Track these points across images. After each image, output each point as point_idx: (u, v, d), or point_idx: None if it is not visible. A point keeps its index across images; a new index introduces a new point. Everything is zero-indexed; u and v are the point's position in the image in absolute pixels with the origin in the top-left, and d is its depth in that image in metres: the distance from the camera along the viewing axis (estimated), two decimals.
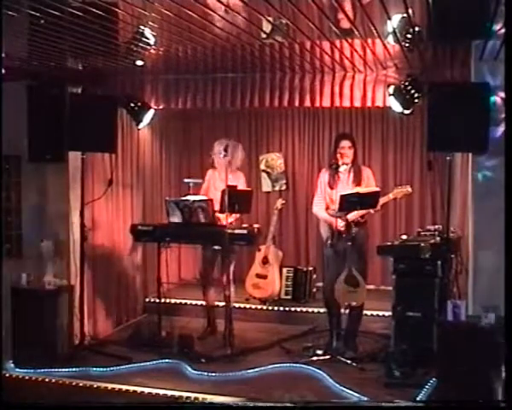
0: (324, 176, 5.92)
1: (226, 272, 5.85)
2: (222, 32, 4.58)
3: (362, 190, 5.63)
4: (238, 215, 6.09)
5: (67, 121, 5.63)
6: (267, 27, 4.49)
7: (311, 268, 7.49)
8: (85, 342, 5.93)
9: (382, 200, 5.74)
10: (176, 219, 5.89)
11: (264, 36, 4.68)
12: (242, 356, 5.72)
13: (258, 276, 7.19)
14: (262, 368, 5.40)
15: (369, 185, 5.79)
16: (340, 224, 5.62)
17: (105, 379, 5.21)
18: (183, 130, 8.34)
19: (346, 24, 4.30)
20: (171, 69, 6.11)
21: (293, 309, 7.00)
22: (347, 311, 5.77)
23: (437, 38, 4.36)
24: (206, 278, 6.36)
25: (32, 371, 5.36)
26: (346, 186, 5.70)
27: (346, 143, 5.76)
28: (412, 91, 5.26)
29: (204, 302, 6.52)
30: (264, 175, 8.29)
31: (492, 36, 4.26)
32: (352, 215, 5.60)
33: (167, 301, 6.33)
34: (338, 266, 5.65)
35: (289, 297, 7.35)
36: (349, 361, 5.46)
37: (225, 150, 5.88)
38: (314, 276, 7.41)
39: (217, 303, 6.45)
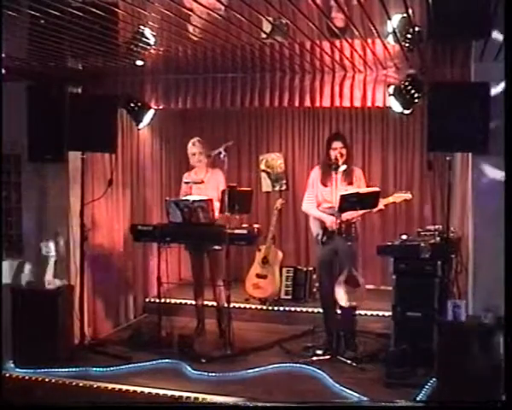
0: (316, 174, 5.92)
1: (223, 273, 5.85)
2: (222, 32, 4.58)
3: (362, 190, 5.65)
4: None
5: (67, 121, 5.63)
6: (267, 27, 4.48)
7: (311, 268, 7.48)
8: (85, 342, 5.93)
9: (382, 202, 5.77)
10: (176, 219, 5.90)
11: (264, 36, 4.68)
12: (242, 356, 5.73)
13: (258, 276, 7.19)
14: (262, 368, 5.40)
15: (360, 186, 5.81)
16: (337, 222, 5.62)
17: (105, 379, 5.22)
18: (183, 130, 8.34)
19: (340, 23, 4.30)
20: (171, 69, 6.10)
21: (293, 309, 7.00)
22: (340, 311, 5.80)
23: (437, 38, 4.36)
24: (199, 280, 6.37)
25: (31, 371, 5.36)
26: (339, 185, 5.69)
27: (337, 144, 5.78)
28: (412, 91, 5.26)
29: (194, 302, 6.50)
30: (264, 175, 8.29)
31: (492, 36, 4.26)
32: (349, 215, 5.61)
33: (167, 301, 6.33)
34: (332, 264, 5.65)
35: (289, 297, 7.36)
36: (349, 361, 5.46)
37: (226, 151, 5.87)
38: (314, 276, 7.39)
39: (207, 303, 6.46)
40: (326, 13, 4.05)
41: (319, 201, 5.84)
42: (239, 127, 8.38)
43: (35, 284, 5.75)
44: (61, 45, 4.79)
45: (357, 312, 6.00)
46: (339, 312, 5.84)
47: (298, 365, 5.50)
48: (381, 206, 5.78)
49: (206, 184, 6.13)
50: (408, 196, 5.89)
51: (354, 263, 5.69)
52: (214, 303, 6.35)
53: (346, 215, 5.59)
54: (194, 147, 6.27)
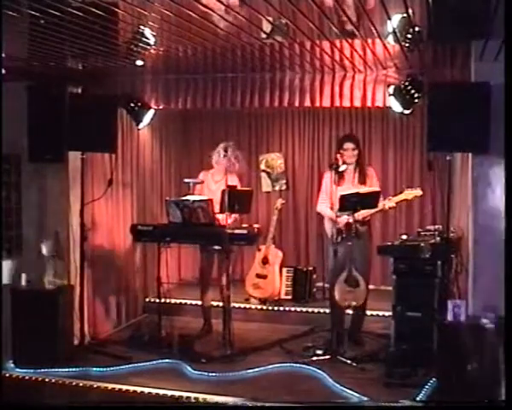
0: (330, 175, 5.97)
1: (226, 273, 5.85)
2: (222, 32, 4.58)
3: (362, 190, 5.68)
4: (237, 216, 6.09)
5: (67, 121, 5.63)
6: (267, 27, 4.49)
7: (311, 268, 7.49)
8: (85, 342, 5.93)
9: (393, 200, 5.79)
10: (176, 219, 5.89)
11: (264, 36, 4.68)
12: (242, 356, 5.72)
13: (258, 276, 7.19)
14: (262, 368, 5.40)
15: (373, 185, 5.90)
16: (345, 222, 5.66)
17: (105, 379, 5.21)
18: (183, 130, 8.35)
19: (348, 25, 4.30)
20: (171, 69, 6.11)
21: (293, 309, 7.01)
22: (350, 311, 5.84)
23: (437, 38, 4.36)
24: (206, 279, 6.37)
25: (31, 371, 5.36)
26: (350, 186, 5.77)
27: (349, 145, 5.86)
28: (412, 91, 5.26)
29: (201, 302, 6.51)
30: (264, 175, 8.29)
31: (492, 36, 4.26)
32: (360, 214, 5.64)
33: (167, 301, 6.33)
34: (343, 265, 5.68)
35: (289, 297, 7.36)
36: (349, 361, 5.46)
37: (225, 151, 5.88)
38: (314, 276, 7.41)
39: (214, 303, 6.46)
40: (335, 15, 4.05)
41: (333, 202, 5.87)
42: (239, 127, 8.38)
43: (35, 284, 5.74)
44: (61, 45, 4.79)
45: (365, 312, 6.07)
46: (348, 311, 5.89)
47: (298, 365, 5.50)
48: (392, 204, 5.80)
49: (219, 187, 6.11)
50: (418, 192, 5.88)
51: (365, 262, 5.78)
52: (218, 303, 6.34)
53: (358, 215, 5.62)
54: (224, 151, 6.16)
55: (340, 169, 5.77)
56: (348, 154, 5.83)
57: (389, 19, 4.15)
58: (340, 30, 4.37)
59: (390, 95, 5.46)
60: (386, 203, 5.76)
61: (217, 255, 6.22)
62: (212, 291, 6.40)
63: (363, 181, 5.89)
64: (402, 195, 5.88)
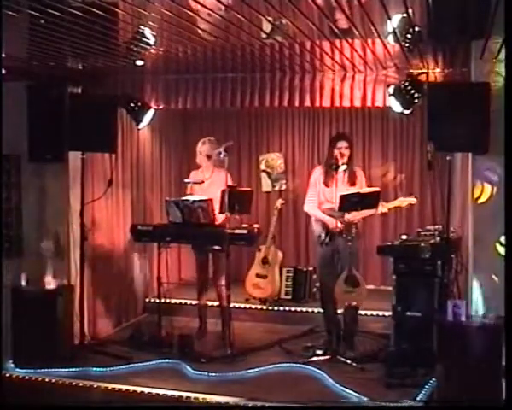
0: (318, 173, 5.91)
1: (226, 273, 5.85)
2: (222, 32, 4.59)
3: (363, 190, 5.66)
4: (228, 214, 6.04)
5: (67, 121, 5.63)
6: (267, 27, 4.49)
7: (311, 268, 7.48)
8: (85, 342, 5.93)
9: (386, 206, 5.78)
10: (176, 219, 5.89)
11: (264, 36, 4.68)
12: (242, 356, 5.72)
13: (258, 276, 7.19)
14: (262, 368, 5.40)
15: (362, 186, 5.82)
16: (339, 223, 5.64)
17: (105, 379, 5.21)
18: (183, 130, 8.34)
19: (344, 24, 4.30)
20: (171, 69, 6.11)
21: (293, 309, 7.01)
22: (342, 311, 5.81)
23: (437, 38, 4.37)
24: (202, 279, 6.36)
25: (32, 371, 5.36)
26: (341, 186, 5.69)
27: (343, 144, 5.77)
28: (412, 91, 5.27)
29: (197, 302, 6.48)
30: (264, 175, 8.30)
31: (492, 36, 4.26)
32: (352, 215, 5.61)
33: (167, 301, 6.33)
34: (334, 265, 5.67)
35: (289, 297, 7.36)
36: (349, 361, 5.46)
37: (226, 151, 5.87)
38: (314, 276, 7.40)
39: (214, 303, 6.45)
40: (329, 14, 4.05)
41: (321, 200, 5.84)
42: (239, 127, 8.38)
43: (35, 284, 5.74)
44: (61, 45, 4.79)
45: (358, 312, 5.99)
46: (340, 311, 5.86)
47: (298, 365, 5.50)
48: (385, 209, 5.80)
49: (211, 184, 6.12)
50: (413, 200, 5.90)
51: (355, 263, 5.69)
52: (215, 303, 6.35)
53: (349, 216, 5.60)
54: (203, 146, 6.26)
55: (341, 169, 5.74)
56: (343, 152, 5.73)
57: (389, 19, 4.15)
58: (338, 30, 4.37)
59: (390, 95, 5.46)
60: (379, 208, 5.73)
61: (212, 255, 6.20)
62: (211, 291, 6.39)
63: (352, 182, 5.79)
64: (396, 201, 5.92)
